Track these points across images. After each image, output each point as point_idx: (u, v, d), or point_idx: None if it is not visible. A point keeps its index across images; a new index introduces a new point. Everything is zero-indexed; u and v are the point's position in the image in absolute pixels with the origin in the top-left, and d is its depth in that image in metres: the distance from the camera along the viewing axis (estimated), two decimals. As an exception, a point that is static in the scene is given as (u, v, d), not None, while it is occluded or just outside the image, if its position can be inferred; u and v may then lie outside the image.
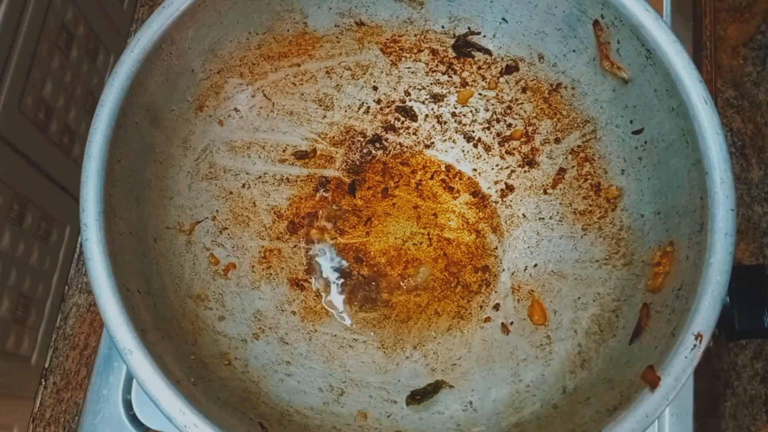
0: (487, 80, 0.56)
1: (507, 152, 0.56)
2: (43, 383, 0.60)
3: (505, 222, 0.55)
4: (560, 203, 0.53)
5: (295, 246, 0.55)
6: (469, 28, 0.54)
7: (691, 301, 0.40)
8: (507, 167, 0.56)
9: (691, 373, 0.39)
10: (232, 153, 0.55)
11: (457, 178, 0.57)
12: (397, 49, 0.56)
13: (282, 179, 0.56)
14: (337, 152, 0.57)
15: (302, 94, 0.56)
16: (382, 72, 0.57)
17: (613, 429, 0.39)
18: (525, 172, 0.55)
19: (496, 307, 0.53)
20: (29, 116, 0.54)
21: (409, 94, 0.57)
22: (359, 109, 0.57)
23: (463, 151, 0.57)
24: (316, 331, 0.53)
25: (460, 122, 0.57)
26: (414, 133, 0.57)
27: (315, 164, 0.57)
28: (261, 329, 0.51)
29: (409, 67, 0.57)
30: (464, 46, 0.55)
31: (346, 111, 0.57)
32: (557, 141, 0.54)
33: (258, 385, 0.48)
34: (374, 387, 0.50)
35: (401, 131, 0.57)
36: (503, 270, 0.54)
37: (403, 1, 0.54)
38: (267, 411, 0.46)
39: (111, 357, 0.54)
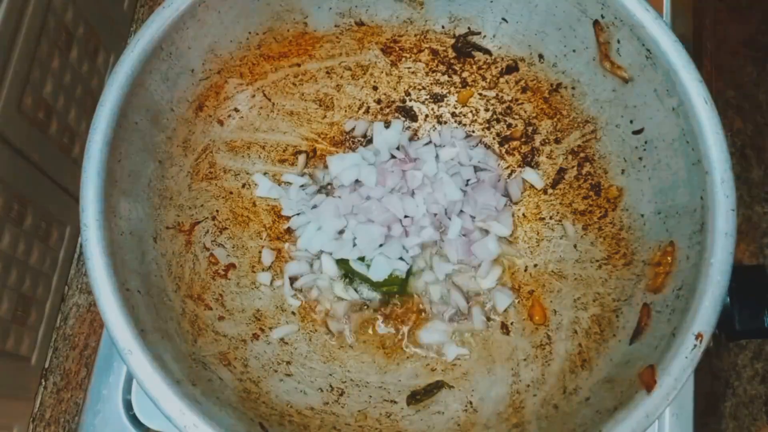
0: (487, 80, 0.56)
1: (507, 152, 0.56)
2: (43, 383, 0.60)
3: (505, 222, 0.55)
4: (560, 203, 0.53)
5: (295, 246, 0.55)
6: (469, 28, 0.54)
7: (692, 301, 0.40)
8: (507, 167, 0.56)
9: (691, 373, 0.39)
10: (232, 153, 0.55)
11: (457, 178, 0.57)
12: (397, 49, 0.56)
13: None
14: (337, 152, 0.57)
15: (302, 94, 0.56)
16: (382, 72, 0.57)
17: (613, 429, 0.39)
18: (525, 172, 0.55)
19: (496, 307, 0.53)
20: (29, 116, 0.54)
21: (409, 94, 0.57)
22: (359, 109, 0.57)
23: (463, 151, 0.57)
24: (316, 331, 0.53)
25: (460, 122, 0.57)
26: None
27: (315, 164, 0.57)
28: (261, 329, 0.51)
29: (409, 68, 0.57)
30: (464, 46, 0.55)
31: (346, 111, 0.57)
32: (557, 141, 0.54)
33: (258, 385, 0.48)
34: (374, 387, 0.50)
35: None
36: (503, 270, 0.54)
37: (403, 1, 0.54)
38: (267, 411, 0.46)
39: (111, 357, 0.54)
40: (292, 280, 0.53)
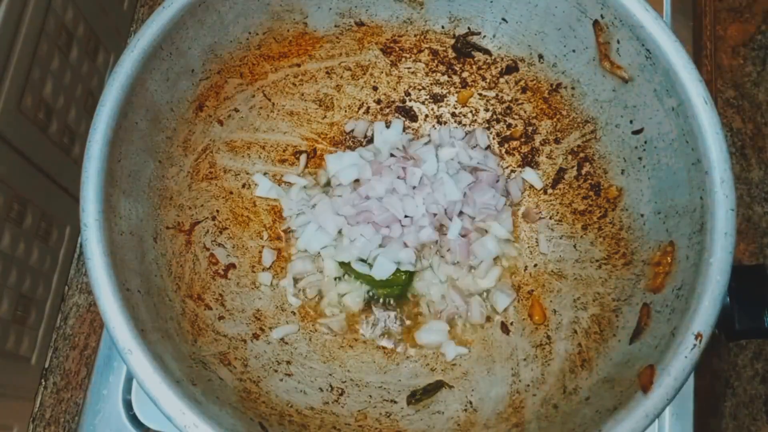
0: (487, 80, 0.56)
1: (507, 152, 0.56)
2: (43, 383, 0.60)
3: (505, 222, 0.55)
4: (560, 203, 0.53)
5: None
6: (469, 28, 0.54)
7: (691, 300, 0.40)
8: (507, 167, 0.56)
9: (691, 373, 0.39)
10: (232, 153, 0.55)
11: (457, 178, 0.57)
12: (397, 49, 0.56)
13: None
14: (337, 152, 0.57)
15: (302, 95, 0.56)
16: (382, 72, 0.57)
17: (613, 429, 0.39)
18: (525, 172, 0.55)
19: (496, 307, 0.53)
20: (29, 116, 0.54)
21: (409, 95, 0.57)
22: (359, 109, 0.57)
23: (463, 151, 0.57)
24: (316, 330, 0.53)
25: (460, 122, 0.57)
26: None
27: (315, 164, 0.57)
28: (261, 329, 0.51)
29: (409, 68, 0.57)
30: (464, 47, 0.55)
31: (346, 111, 0.57)
32: (557, 141, 0.54)
33: (258, 385, 0.48)
34: (374, 387, 0.50)
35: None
36: (503, 270, 0.54)
37: (403, 1, 0.54)
38: (267, 411, 0.46)
39: (111, 357, 0.54)
40: (296, 279, 0.53)
